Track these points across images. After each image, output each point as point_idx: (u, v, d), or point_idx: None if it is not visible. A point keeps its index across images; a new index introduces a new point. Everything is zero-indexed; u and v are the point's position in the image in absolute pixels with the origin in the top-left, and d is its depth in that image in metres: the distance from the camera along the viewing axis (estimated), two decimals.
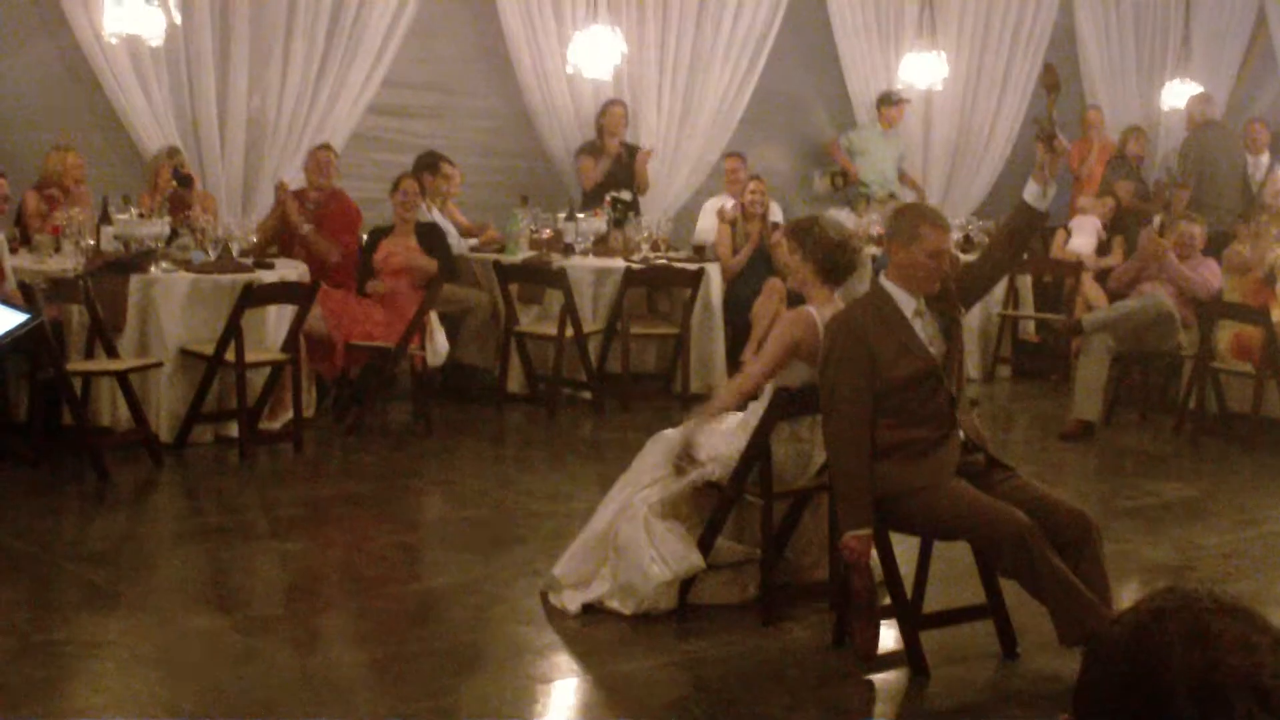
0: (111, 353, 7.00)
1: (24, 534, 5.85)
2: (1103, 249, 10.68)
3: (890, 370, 4.57)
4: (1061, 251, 10.72)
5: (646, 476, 5.24)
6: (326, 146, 8.63)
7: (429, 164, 9.13)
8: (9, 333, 4.67)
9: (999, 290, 9.95)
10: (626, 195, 10.01)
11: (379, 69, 9.40)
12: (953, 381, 4.66)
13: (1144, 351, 8.82)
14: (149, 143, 8.67)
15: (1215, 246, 9.29)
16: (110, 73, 8.58)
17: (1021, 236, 4.97)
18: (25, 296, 6.60)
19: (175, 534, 6.21)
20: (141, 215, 7.61)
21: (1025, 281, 10.51)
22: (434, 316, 8.14)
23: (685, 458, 5.16)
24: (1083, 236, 10.76)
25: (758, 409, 5.11)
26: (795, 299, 5.91)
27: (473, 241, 9.38)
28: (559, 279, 8.57)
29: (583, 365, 8.70)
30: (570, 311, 8.50)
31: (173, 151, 8.38)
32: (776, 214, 9.74)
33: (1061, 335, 9.79)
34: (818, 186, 11.42)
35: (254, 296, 7.13)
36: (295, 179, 8.78)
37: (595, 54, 9.50)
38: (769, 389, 5.09)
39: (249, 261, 7.64)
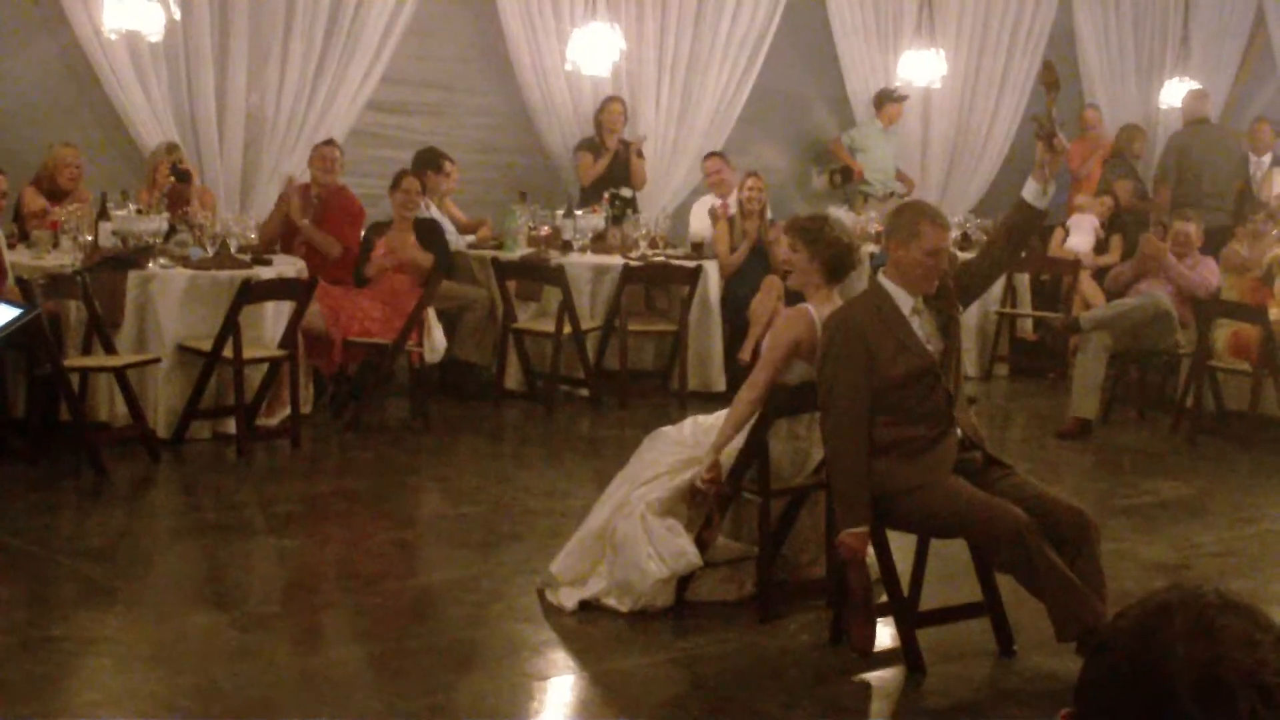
0: (109, 349, 7.00)
1: (21, 530, 5.84)
2: (1100, 248, 10.69)
3: (888, 368, 4.58)
4: (1059, 250, 10.73)
5: (644, 474, 5.24)
6: (331, 142, 8.61)
7: (430, 161, 9.13)
8: (3, 328, 4.67)
9: (997, 288, 9.95)
10: (625, 192, 10.01)
11: (378, 66, 9.40)
12: (950, 379, 4.67)
13: (1142, 350, 8.82)
14: (148, 139, 8.67)
15: (1208, 245, 9.28)
16: (109, 69, 8.58)
17: (1020, 235, 4.97)
18: (23, 292, 6.59)
19: (173, 530, 6.20)
20: (140, 211, 7.60)
21: (1023, 280, 10.51)
22: (431, 313, 8.13)
23: (712, 481, 5.07)
24: (1080, 235, 10.77)
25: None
26: (793, 296, 5.89)
27: (470, 238, 9.38)
28: (557, 276, 8.56)
29: (580, 362, 8.70)
30: (568, 308, 8.50)
31: (171, 147, 8.37)
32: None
33: (1059, 333, 9.80)
34: (816, 184, 11.42)
35: (252, 293, 7.13)
36: (298, 175, 8.78)
37: (594, 51, 9.50)
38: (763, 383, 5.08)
39: (247, 258, 7.63)
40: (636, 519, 5.06)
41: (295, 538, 6.08)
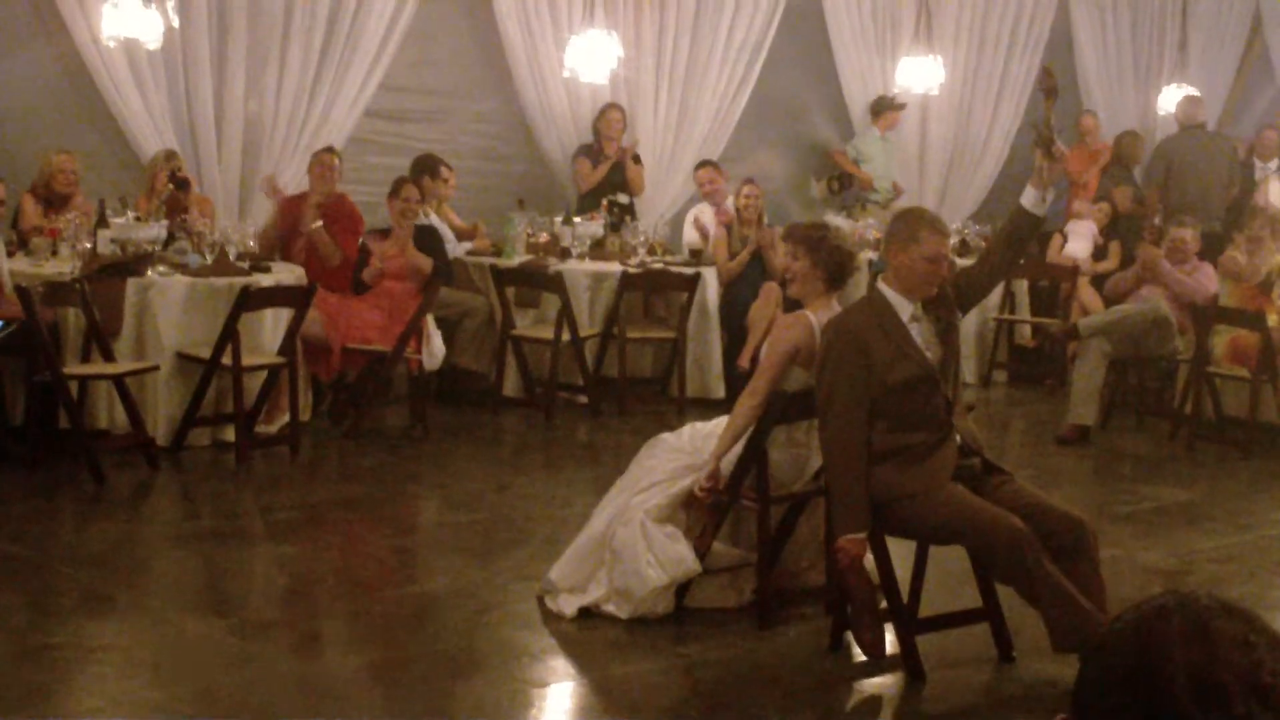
0: (108, 356, 7.00)
1: (20, 537, 5.84)
2: (1099, 254, 10.69)
3: (887, 374, 4.58)
4: (1058, 256, 10.74)
5: (643, 481, 5.23)
6: (330, 150, 8.60)
7: (428, 167, 9.13)
8: None
9: (995, 295, 9.94)
10: (624, 199, 10.01)
11: (376, 73, 9.40)
12: (949, 386, 4.67)
13: (1140, 356, 8.82)
14: (146, 146, 8.66)
15: (1203, 251, 9.28)
16: (107, 76, 8.57)
17: (1019, 241, 4.96)
18: (22, 300, 6.59)
19: (171, 537, 6.20)
20: (138, 218, 7.61)
21: (1022, 286, 10.52)
22: (430, 320, 8.13)
23: (713, 489, 5.07)
24: (1079, 241, 10.78)
25: None
26: (791, 303, 5.89)
27: (468, 245, 9.38)
28: (555, 283, 8.57)
29: (579, 369, 8.70)
30: (567, 315, 8.50)
31: (170, 155, 8.37)
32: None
33: (1058, 340, 9.80)
34: (814, 191, 11.42)
35: (251, 300, 7.13)
36: (295, 183, 8.78)
37: (592, 58, 9.50)
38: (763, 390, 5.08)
39: (246, 265, 7.64)
40: (636, 526, 5.06)
41: (294, 545, 6.09)
